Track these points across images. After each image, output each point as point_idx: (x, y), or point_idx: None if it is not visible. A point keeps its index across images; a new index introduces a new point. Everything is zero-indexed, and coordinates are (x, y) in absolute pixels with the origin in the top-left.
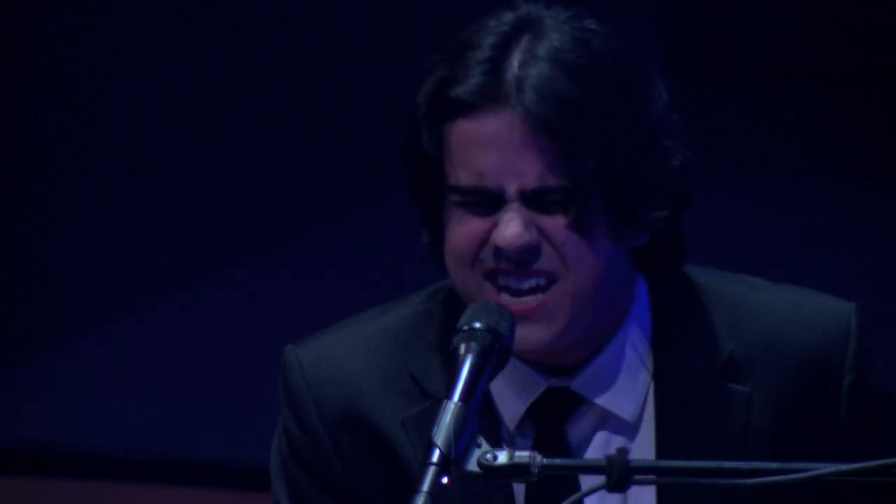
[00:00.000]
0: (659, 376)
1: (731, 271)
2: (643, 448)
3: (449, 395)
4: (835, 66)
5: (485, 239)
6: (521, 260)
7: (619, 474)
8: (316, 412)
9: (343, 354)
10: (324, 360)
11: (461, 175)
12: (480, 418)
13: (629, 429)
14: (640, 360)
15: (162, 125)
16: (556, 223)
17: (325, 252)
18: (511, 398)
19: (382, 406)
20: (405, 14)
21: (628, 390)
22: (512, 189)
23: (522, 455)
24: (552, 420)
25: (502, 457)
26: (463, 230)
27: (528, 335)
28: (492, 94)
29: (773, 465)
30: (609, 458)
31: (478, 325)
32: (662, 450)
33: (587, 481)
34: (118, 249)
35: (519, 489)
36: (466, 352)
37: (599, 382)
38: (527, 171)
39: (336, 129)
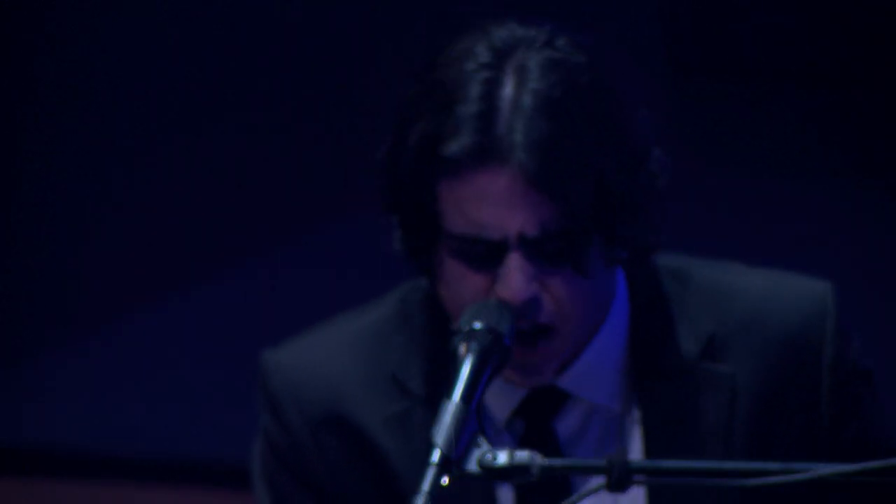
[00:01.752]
0: (642, 363)
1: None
2: (632, 436)
3: (449, 396)
4: (835, 66)
5: (484, 294)
6: (524, 312)
7: (620, 475)
8: (297, 414)
9: (322, 356)
10: (303, 363)
11: (461, 226)
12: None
13: (616, 419)
14: (623, 349)
15: (162, 126)
16: (559, 278)
17: (325, 253)
18: (499, 396)
19: (363, 406)
20: (405, 14)
21: (613, 381)
22: (513, 238)
23: (522, 455)
24: (540, 416)
25: (502, 457)
26: (465, 286)
27: (527, 379)
28: (485, 153)
29: (774, 465)
30: (609, 459)
31: (478, 325)
32: (650, 436)
33: (580, 479)
34: (118, 250)
35: (507, 493)
36: (467, 352)
37: (585, 377)
38: (526, 222)
39: (335, 129)
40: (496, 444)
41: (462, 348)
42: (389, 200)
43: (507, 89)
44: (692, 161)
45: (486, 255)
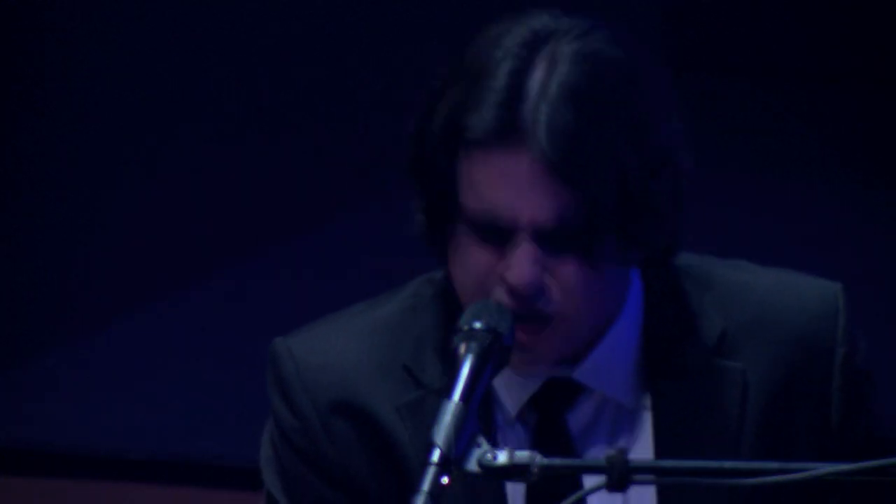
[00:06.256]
0: (654, 359)
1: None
2: (642, 430)
3: (449, 395)
4: (835, 66)
5: (492, 270)
6: (528, 297)
7: (620, 474)
8: (307, 399)
9: (334, 345)
10: (315, 350)
11: (474, 203)
12: (481, 406)
13: (628, 413)
14: (636, 344)
15: (162, 127)
16: (567, 267)
17: (324, 252)
18: (513, 387)
19: (376, 394)
20: (406, 14)
21: (626, 375)
22: (524, 223)
23: (522, 455)
24: (553, 408)
25: (502, 457)
26: (472, 261)
27: (526, 363)
28: (507, 133)
29: (774, 464)
30: (609, 458)
31: (478, 325)
32: (660, 430)
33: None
34: (118, 250)
35: (517, 490)
36: (466, 352)
37: (600, 370)
38: (541, 210)
39: (334, 129)
40: (508, 435)
41: (462, 348)
42: (412, 173)
43: (536, 74)
44: (691, 159)
45: (497, 233)
